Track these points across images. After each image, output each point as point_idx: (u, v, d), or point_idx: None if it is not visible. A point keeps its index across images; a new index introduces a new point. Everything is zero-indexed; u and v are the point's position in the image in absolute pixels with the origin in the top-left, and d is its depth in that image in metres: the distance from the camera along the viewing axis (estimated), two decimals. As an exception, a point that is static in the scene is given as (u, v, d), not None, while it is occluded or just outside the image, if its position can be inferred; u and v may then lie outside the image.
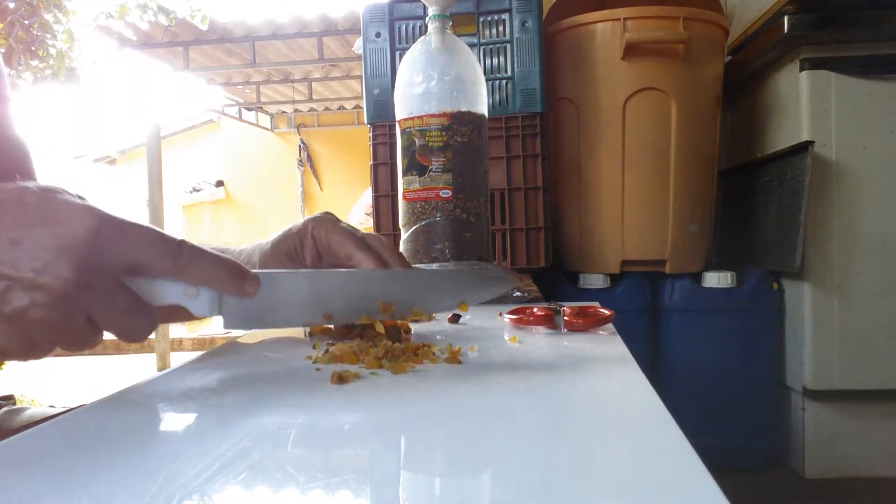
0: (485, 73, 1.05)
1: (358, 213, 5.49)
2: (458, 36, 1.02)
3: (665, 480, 0.26)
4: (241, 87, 5.40)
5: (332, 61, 4.51)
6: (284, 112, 6.58)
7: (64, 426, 0.36)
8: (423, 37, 0.86)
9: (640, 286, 1.61)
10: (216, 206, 7.11)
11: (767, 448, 1.63)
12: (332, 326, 0.58)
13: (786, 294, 1.65)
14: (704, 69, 1.55)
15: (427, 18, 0.85)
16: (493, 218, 1.38)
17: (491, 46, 1.39)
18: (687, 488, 0.25)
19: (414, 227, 0.85)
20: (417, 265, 0.85)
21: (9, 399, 0.70)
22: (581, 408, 0.38)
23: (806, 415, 1.59)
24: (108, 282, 0.39)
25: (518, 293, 0.88)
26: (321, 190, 6.73)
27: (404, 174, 0.85)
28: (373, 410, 0.38)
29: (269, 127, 6.76)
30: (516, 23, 1.38)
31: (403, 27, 1.41)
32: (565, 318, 0.61)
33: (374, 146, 1.42)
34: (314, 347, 0.51)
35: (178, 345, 5.14)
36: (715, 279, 1.60)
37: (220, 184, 7.00)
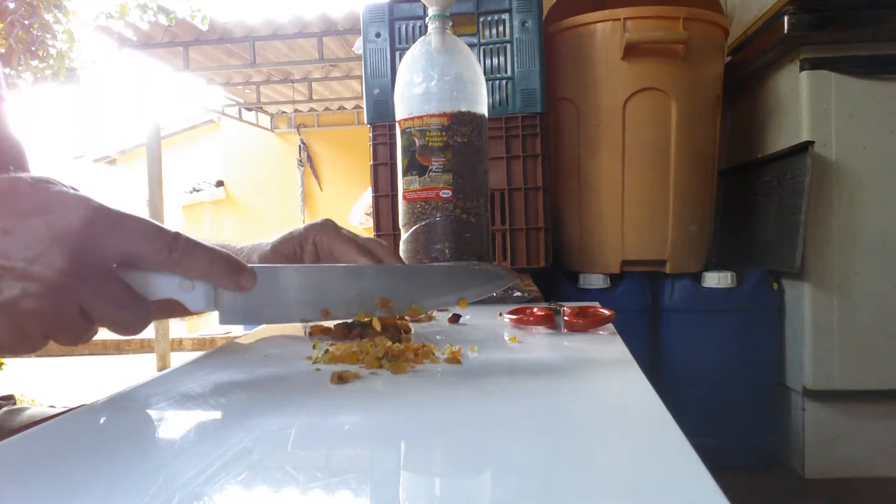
0: (485, 73, 1.05)
1: (358, 213, 5.49)
2: (458, 36, 1.02)
3: (665, 480, 0.26)
4: (241, 87, 5.40)
5: (332, 61, 4.51)
6: (284, 112, 6.58)
7: (64, 426, 0.36)
8: (423, 37, 0.86)
9: (640, 286, 1.61)
10: (216, 206, 7.11)
11: (767, 448, 1.63)
12: (332, 326, 0.58)
13: (786, 294, 1.65)
14: (704, 69, 1.55)
15: (427, 18, 0.85)
16: (493, 218, 1.38)
17: (491, 46, 1.39)
18: (687, 488, 0.25)
19: (414, 228, 0.85)
20: (417, 266, 0.85)
21: (9, 399, 0.70)
22: (581, 408, 0.38)
23: (806, 415, 1.59)
24: (101, 273, 0.39)
25: (518, 293, 0.88)
26: (321, 190, 6.72)
27: (404, 174, 0.85)
28: (373, 410, 0.38)
29: (269, 127, 6.76)
30: (516, 23, 1.38)
31: (403, 27, 1.41)
32: (565, 318, 0.61)
33: (374, 146, 1.42)
34: (314, 347, 0.51)
35: (178, 345, 5.14)
36: (715, 279, 1.60)
37: (220, 184, 7.00)
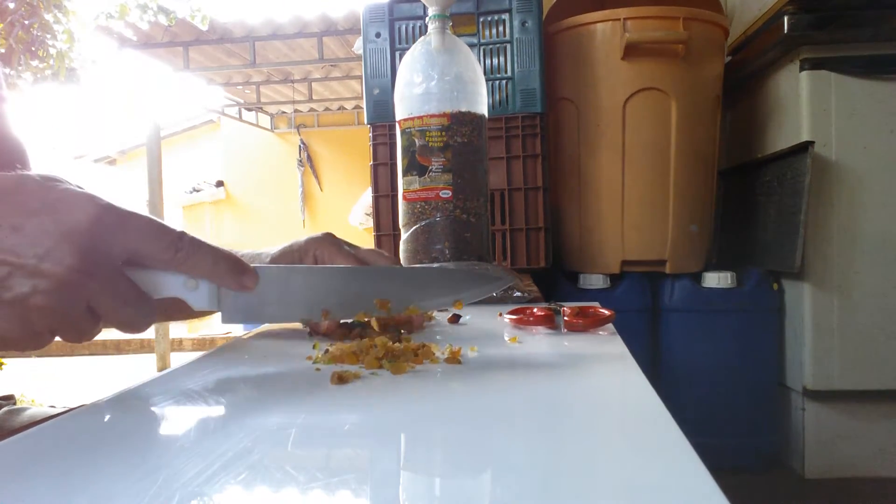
0: (485, 73, 1.05)
1: (358, 213, 5.49)
2: (458, 36, 1.02)
3: (665, 480, 0.26)
4: (241, 87, 5.40)
5: (332, 61, 4.51)
6: (284, 112, 6.58)
7: (64, 426, 0.36)
8: (423, 37, 0.86)
9: (640, 286, 1.61)
10: (216, 206, 7.11)
11: (767, 448, 1.63)
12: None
13: (786, 294, 1.65)
14: (704, 69, 1.55)
15: (427, 18, 0.85)
16: (493, 218, 1.38)
17: (491, 46, 1.39)
18: (687, 488, 0.25)
19: (414, 228, 0.85)
20: (417, 265, 0.85)
21: (9, 399, 0.70)
22: (581, 408, 0.38)
23: (806, 415, 1.59)
24: (108, 270, 0.39)
25: (518, 293, 0.88)
26: (321, 190, 6.72)
27: (404, 174, 0.85)
28: (373, 410, 0.38)
29: (269, 127, 6.76)
30: (516, 23, 1.38)
31: (403, 27, 1.41)
32: (565, 318, 0.61)
33: (374, 146, 1.42)
34: (314, 347, 0.51)
35: (178, 345, 5.14)
36: (715, 279, 1.60)
37: (220, 184, 7.00)
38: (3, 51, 4.08)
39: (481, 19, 1.40)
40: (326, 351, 0.50)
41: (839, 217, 1.56)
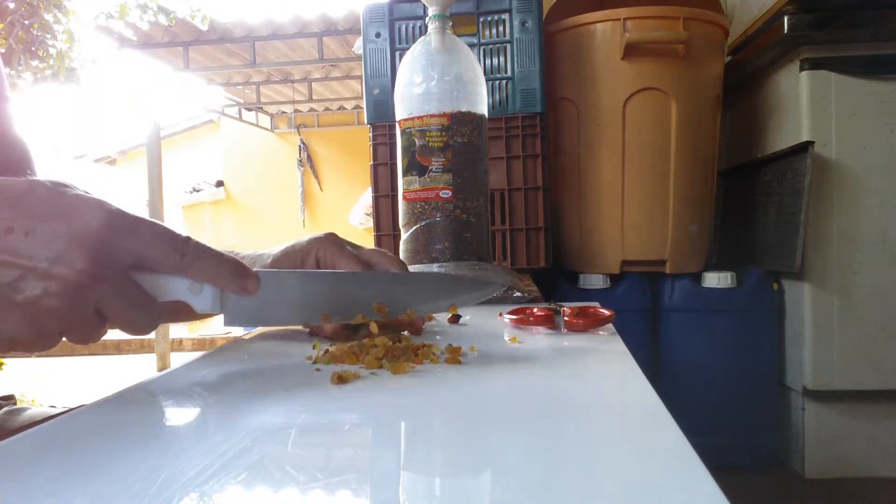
0: (485, 73, 1.05)
1: (358, 214, 5.49)
2: (458, 36, 1.02)
3: (665, 480, 0.26)
4: (241, 87, 5.39)
5: (332, 61, 4.51)
6: (284, 112, 6.58)
7: (64, 426, 0.36)
8: (423, 37, 0.86)
9: (640, 286, 1.61)
10: (216, 206, 7.11)
11: (767, 448, 1.63)
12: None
13: (786, 294, 1.65)
14: (704, 69, 1.55)
15: (427, 18, 0.85)
16: (493, 218, 1.38)
17: (491, 46, 1.39)
18: (687, 488, 0.25)
19: (414, 228, 0.85)
20: (417, 265, 0.85)
21: (9, 399, 0.70)
22: (581, 408, 0.38)
23: (806, 415, 1.59)
24: (117, 274, 0.40)
25: (518, 293, 0.88)
26: (321, 190, 6.72)
27: (404, 174, 0.85)
28: (373, 410, 0.38)
29: (269, 127, 6.76)
30: (516, 23, 1.38)
31: (403, 27, 1.41)
32: (565, 318, 0.61)
33: (374, 146, 1.42)
34: (314, 348, 0.51)
35: (178, 345, 5.14)
36: (715, 279, 1.60)
37: (220, 184, 7.00)
38: (2, 51, 4.08)
39: (481, 19, 1.40)
40: (326, 351, 0.50)
41: (839, 217, 1.56)
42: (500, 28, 1.39)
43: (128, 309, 0.41)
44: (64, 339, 0.41)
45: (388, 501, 0.26)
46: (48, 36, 4.34)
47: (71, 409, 0.46)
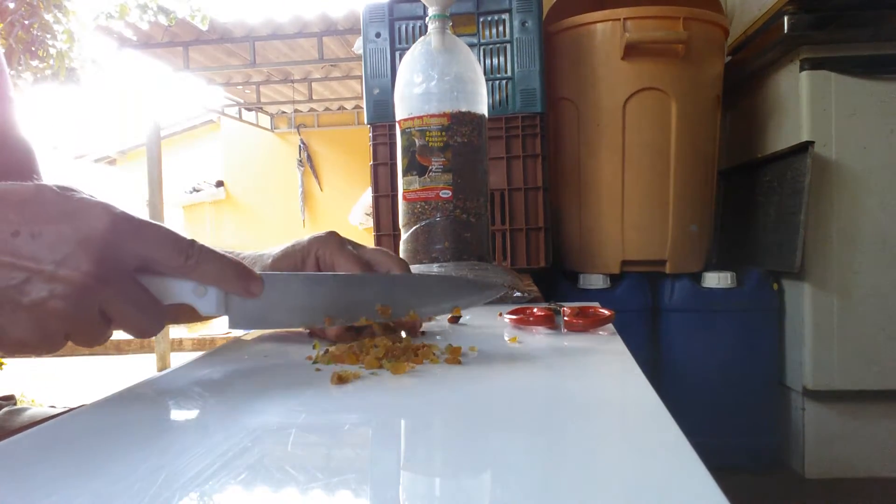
0: (485, 73, 1.05)
1: (358, 214, 5.49)
2: (458, 36, 1.02)
3: (665, 480, 0.26)
4: (241, 87, 5.39)
5: (332, 61, 4.51)
6: (284, 112, 6.58)
7: (64, 426, 0.36)
8: (423, 37, 0.86)
9: (640, 286, 1.61)
10: (216, 206, 7.11)
11: (767, 448, 1.63)
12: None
13: (786, 294, 1.65)
14: (704, 69, 1.55)
15: (427, 18, 0.85)
16: (493, 218, 1.38)
17: (491, 46, 1.39)
18: (687, 488, 0.25)
19: (414, 228, 0.85)
20: (417, 265, 0.85)
21: (9, 399, 0.70)
22: (581, 408, 0.38)
23: (806, 415, 1.59)
24: (122, 276, 0.41)
25: (518, 293, 0.88)
26: (321, 190, 6.72)
27: (404, 174, 0.85)
28: (373, 410, 0.38)
29: (269, 127, 6.76)
30: (516, 23, 1.38)
31: (403, 27, 1.41)
32: (565, 318, 0.61)
33: (374, 146, 1.42)
34: (314, 347, 0.51)
35: (178, 345, 5.14)
36: (715, 279, 1.60)
37: (220, 184, 7.00)
38: (3, 51, 4.08)
39: (481, 19, 1.40)
40: (326, 351, 0.50)
41: (839, 217, 1.56)
42: (500, 28, 1.39)
43: (133, 311, 0.41)
44: (69, 342, 0.41)
45: (388, 501, 0.26)
46: (48, 36, 4.34)
47: (71, 409, 0.47)
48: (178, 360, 2.41)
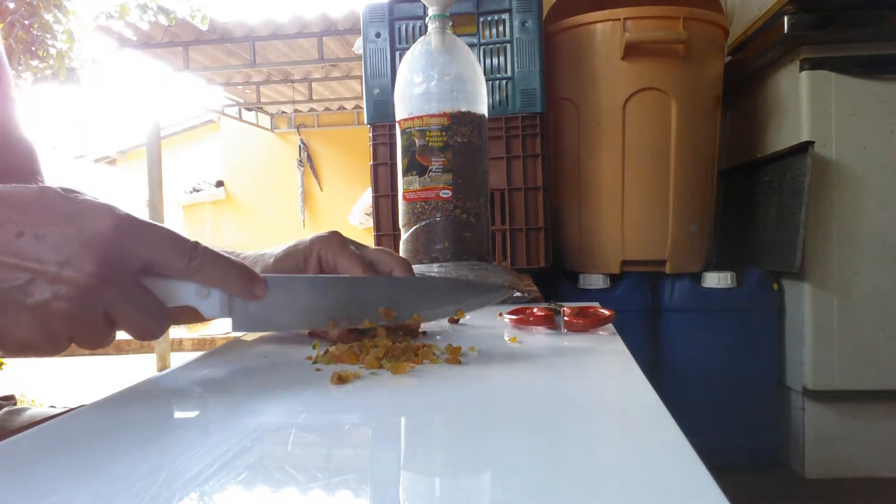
0: (485, 73, 1.05)
1: (358, 214, 5.49)
2: (458, 36, 1.02)
3: (665, 480, 0.26)
4: (241, 87, 5.39)
5: (332, 61, 4.51)
6: (284, 112, 6.58)
7: (64, 426, 0.36)
8: (423, 37, 0.86)
9: (640, 286, 1.61)
10: (216, 206, 7.11)
11: (767, 448, 1.63)
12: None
13: (786, 294, 1.65)
14: (704, 69, 1.55)
15: (427, 18, 0.85)
16: (493, 218, 1.38)
17: (491, 46, 1.39)
18: (687, 488, 0.25)
19: (414, 228, 0.85)
20: (417, 265, 0.85)
21: (9, 399, 0.70)
22: (581, 408, 0.38)
23: (806, 415, 1.59)
24: (126, 278, 0.41)
25: (518, 293, 0.88)
26: (321, 190, 6.72)
27: (404, 174, 0.85)
28: (373, 410, 0.38)
29: (269, 127, 6.76)
30: (516, 23, 1.38)
31: (403, 27, 1.41)
32: (565, 318, 0.61)
33: (374, 146, 1.42)
34: (314, 347, 0.51)
35: (178, 345, 5.14)
36: (715, 279, 1.60)
37: (220, 184, 7.00)
38: (4, 51, 4.08)
39: (481, 19, 1.40)
40: (326, 351, 0.50)
41: (839, 217, 1.56)
42: (500, 28, 1.39)
43: (136, 313, 0.41)
44: (73, 344, 0.41)
45: (388, 501, 0.26)
46: (48, 36, 4.34)
47: (71, 409, 0.47)
48: (178, 360, 2.41)
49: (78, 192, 0.40)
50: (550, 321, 0.62)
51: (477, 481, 0.28)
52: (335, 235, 0.61)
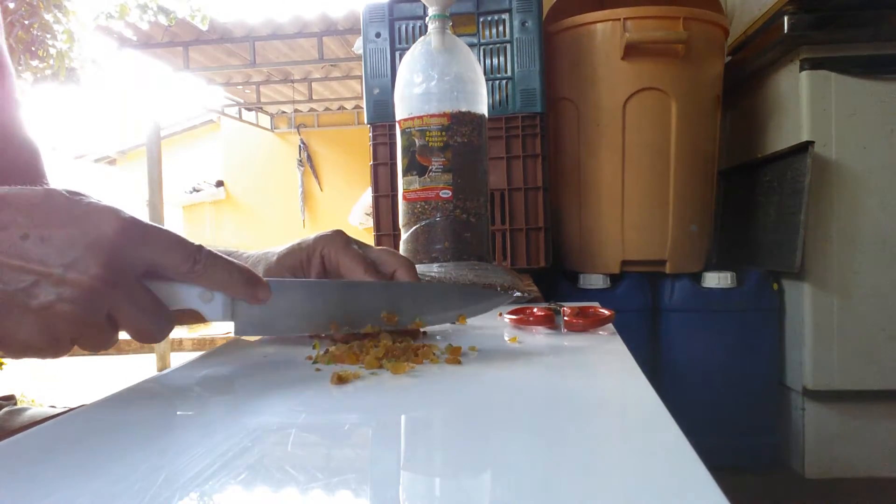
0: (485, 73, 1.05)
1: (358, 214, 5.49)
2: (458, 36, 1.02)
3: (665, 480, 0.26)
4: (241, 87, 5.40)
5: (332, 61, 4.51)
6: (284, 112, 6.58)
7: (64, 426, 0.36)
8: (423, 37, 0.86)
9: (639, 286, 1.61)
10: (216, 206, 7.11)
11: (767, 448, 1.63)
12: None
13: (786, 294, 1.65)
14: (704, 69, 1.55)
15: (427, 18, 0.85)
16: (493, 218, 1.38)
17: (491, 46, 1.39)
18: (687, 488, 0.25)
19: (414, 228, 0.85)
20: (417, 265, 0.85)
21: (9, 399, 0.70)
22: (581, 408, 0.38)
23: (806, 415, 1.59)
24: (130, 281, 0.41)
25: (518, 293, 0.88)
26: (321, 190, 6.72)
27: (404, 174, 0.85)
28: (373, 410, 0.38)
29: (269, 127, 6.76)
30: (516, 23, 1.38)
31: (403, 27, 1.41)
32: (565, 318, 0.61)
33: (374, 146, 1.42)
34: (314, 348, 0.51)
35: (178, 345, 5.14)
36: (715, 279, 1.60)
37: (220, 184, 7.00)
38: (8, 52, 4.08)
39: (481, 19, 1.40)
40: (326, 351, 0.50)
41: (839, 217, 1.56)
42: (500, 28, 1.39)
43: (140, 316, 0.41)
44: (76, 346, 0.42)
45: (388, 501, 0.26)
46: (48, 36, 4.34)
47: (71, 409, 0.47)
48: (178, 360, 2.40)
49: (83, 195, 0.40)
50: (550, 321, 0.62)
51: (477, 481, 0.28)
52: (339, 234, 0.61)
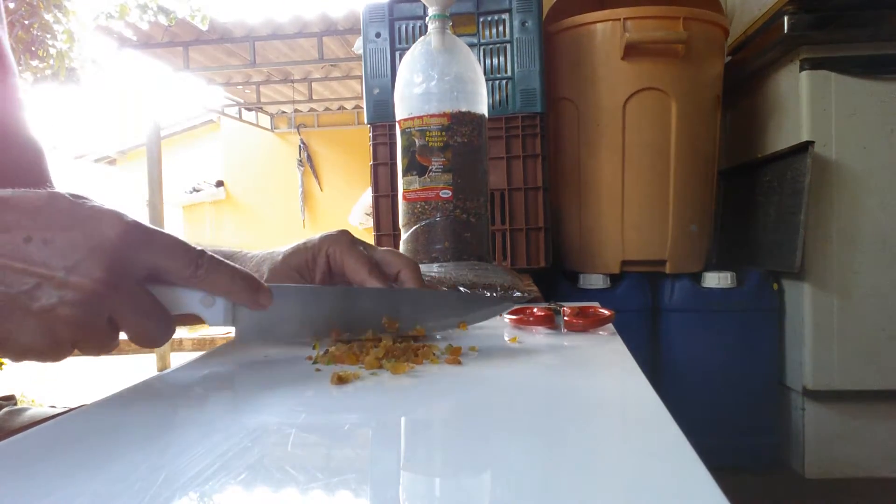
0: (485, 73, 1.05)
1: (358, 214, 5.49)
2: (458, 36, 1.02)
3: (665, 480, 0.26)
4: (241, 87, 5.39)
5: (332, 61, 4.51)
6: (284, 112, 6.58)
7: (64, 426, 0.36)
8: (423, 37, 0.86)
9: (639, 286, 1.61)
10: (216, 206, 7.10)
11: (767, 448, 1.63)
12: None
13: (786, 294, 1.65)
14: (704, 69, 1.55)
15: (427, 18, 0.85)
16: (493, 218, 1.38)
17: (491, 46, 1.39)
18: (687, 488, 0.25)
19: (414, 228, 0.85)
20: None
21: (9, 399, 0.70)
22: (581, 408, 0.38)
23: (806, 415, 1.59)
24: (132, 285, 0.41)
25: (518, 293, 0.88)
26: (321, 190, 6.72)
27: (404, 174, 0.85)
28: (373, 410, 0.38)
29: (269, 127, 6.76)
30: (516, 23, 1.38)
31: (403, 27, 1.41)
32: (565, 318, 0.61)
33: (374, 146, 1.42)
34: (314, 348, 0.51)
35: (178, 345, 5.14)
36: (715, 279, 1.60)
37: (220, 184, 7.00)
38: (11, 53, 4.08)
39: (481, 19, 1.40)
40: (326, 351, 0.50)
41: (839, 217, 1.56)
42: (500, 28, 1.39)
43: (141, 320, 0.41)
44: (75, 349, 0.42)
45: (388, 501, 0.26)
46: (48, 36, 4.34)
47: (71, 409, 0.47)
48: (178, 360, 2.41)
49: (86, 198, 0.41)
50: (550, 321, 0.62)
51: (477, 481, 0.28)
52: (344, 234, 0.61)
